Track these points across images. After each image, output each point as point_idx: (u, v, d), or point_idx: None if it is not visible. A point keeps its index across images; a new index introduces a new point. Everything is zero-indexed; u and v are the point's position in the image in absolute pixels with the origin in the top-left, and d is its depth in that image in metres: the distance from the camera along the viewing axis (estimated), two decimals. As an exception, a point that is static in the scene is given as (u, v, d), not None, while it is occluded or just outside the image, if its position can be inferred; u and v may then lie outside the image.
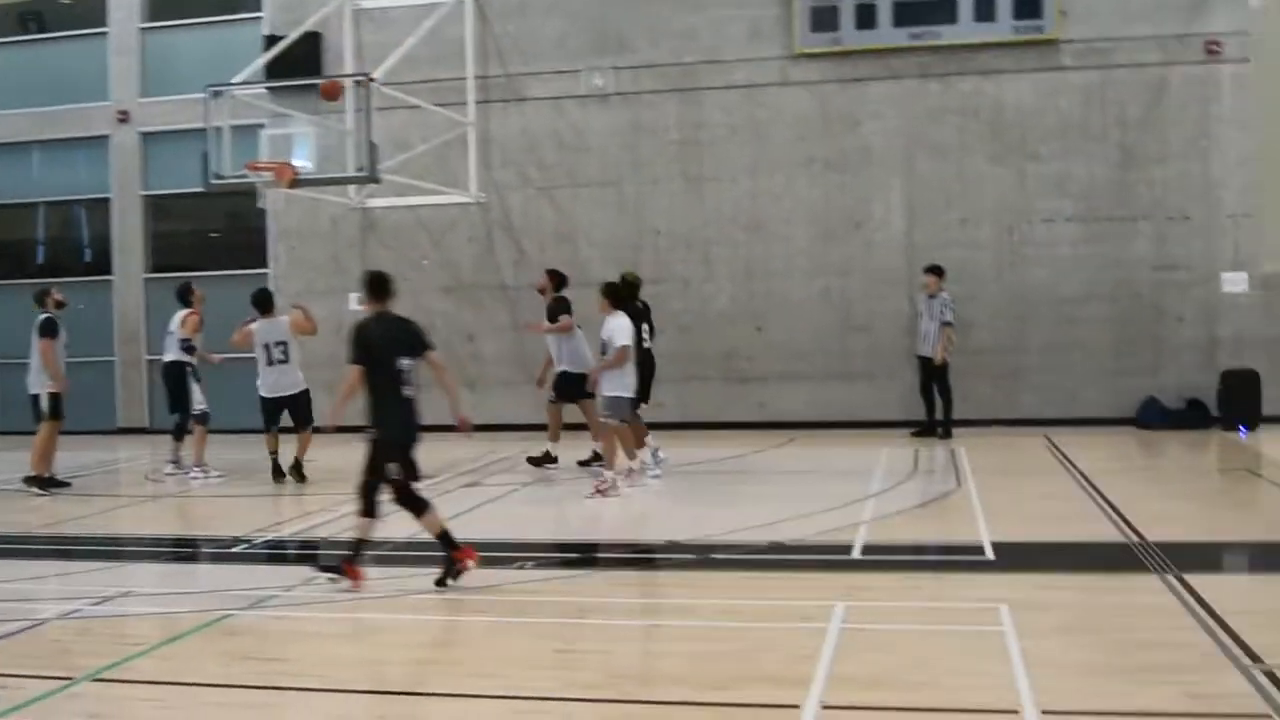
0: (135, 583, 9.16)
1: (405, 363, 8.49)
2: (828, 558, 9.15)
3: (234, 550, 10.39)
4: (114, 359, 20.52)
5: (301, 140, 16.16)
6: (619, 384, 12.36)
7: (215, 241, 20.74)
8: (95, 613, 8.15)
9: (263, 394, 14.22)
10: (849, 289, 17.64)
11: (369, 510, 8.52)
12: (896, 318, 17.44)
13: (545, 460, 14.14)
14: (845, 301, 17.64)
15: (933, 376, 16.27)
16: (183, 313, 14.97)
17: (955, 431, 16.18)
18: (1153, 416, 16.59)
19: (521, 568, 9.21)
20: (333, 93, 15.25)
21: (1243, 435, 15.84)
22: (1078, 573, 8.45)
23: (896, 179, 17.43)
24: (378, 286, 8.75)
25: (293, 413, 14.29)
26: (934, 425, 16.33)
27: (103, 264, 20.59)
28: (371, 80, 15.32)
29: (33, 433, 13.96)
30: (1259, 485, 12.73)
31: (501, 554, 9.69)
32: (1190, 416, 16.51)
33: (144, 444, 18.80)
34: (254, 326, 14.31)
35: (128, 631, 7.78)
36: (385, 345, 8.48)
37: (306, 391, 14.35)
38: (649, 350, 13.56)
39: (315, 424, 14.21)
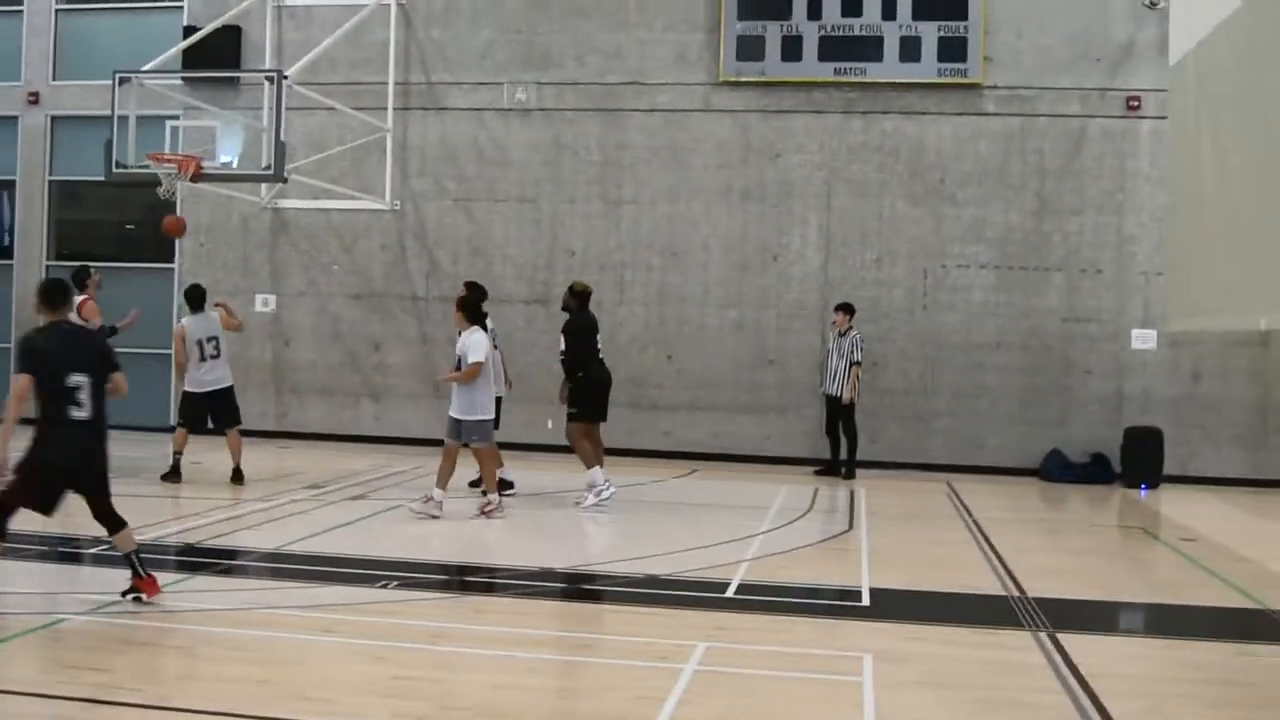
0: (-22, 581, 8.73)
1: (76, 379, 7.71)
2: (701, 595, 8.89)
3: (91, 551, 9.94)
4: (9, 346, 19.83)
5: (230, 136, 15.79)
6: (477, 406, 11.86)
7: (123, 232, 20.16)
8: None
9: (189, 389, 13.88)
10: (762, 321, 17.46)
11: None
12: (808, 353, 17.28)
13: (503, 487, 13.52)
14: (758, 334, 17.46)
15: (839, 415, 16.11)
16: (78, 299, 14.47)
17: (859, 473, 16.02)
18: (1056, 469, 16.54)
19: (385, 587, 8.89)
20: (175, 229, 14.85)
21: (1143, 494, 15.82)
22: (950, 625, 8.25)
23: (814, 213, 17.30)
24: (51, 295, 8.00)
25: (217, 411, 13.92)
26: (838, 465, 16.17)
27: (3, 248, 19.95)
28: (284, 78, 14.93)
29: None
30: (1151, 546, 12.65)
31: (368, 571, 9.36)
32: (1093, 471, 16.48)
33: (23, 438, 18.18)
34: (185, 323, 14.01)
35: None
36: (54, 359, 7.71)
37: (232, 388, 14.08)
38: (603, 363, 13.14)
39: (242, 423, 14.19)
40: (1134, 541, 13.04)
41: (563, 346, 13.00)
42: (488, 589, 9.30)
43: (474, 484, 13.27)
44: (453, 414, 11.95)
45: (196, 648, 7.28)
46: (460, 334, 12.04)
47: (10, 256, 19.79)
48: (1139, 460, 16.22)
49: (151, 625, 7.66)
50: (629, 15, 17.60)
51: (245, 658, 7.08)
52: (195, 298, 14.17)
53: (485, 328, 12.80)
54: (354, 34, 17.30)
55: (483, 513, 11.85)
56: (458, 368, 11.94)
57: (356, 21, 17.25)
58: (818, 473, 16.26)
